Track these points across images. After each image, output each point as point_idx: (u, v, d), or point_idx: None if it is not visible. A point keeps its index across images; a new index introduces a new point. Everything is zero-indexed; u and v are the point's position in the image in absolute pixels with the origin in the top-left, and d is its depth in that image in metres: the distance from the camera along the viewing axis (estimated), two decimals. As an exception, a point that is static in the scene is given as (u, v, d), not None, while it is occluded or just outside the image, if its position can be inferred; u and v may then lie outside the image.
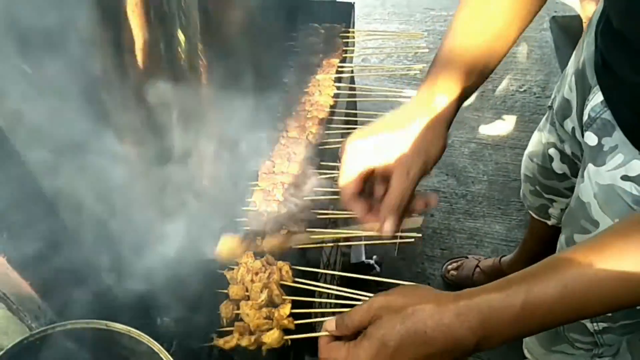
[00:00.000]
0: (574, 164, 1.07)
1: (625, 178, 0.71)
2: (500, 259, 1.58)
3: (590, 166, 0.79)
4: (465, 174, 1.99)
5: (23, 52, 0.56)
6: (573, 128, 1.00)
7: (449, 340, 0.49)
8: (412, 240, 0.82)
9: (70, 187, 0.67)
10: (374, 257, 1.67)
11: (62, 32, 0.58)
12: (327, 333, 0.55)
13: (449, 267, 1.63)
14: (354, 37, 1.41)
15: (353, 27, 1.46)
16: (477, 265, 1.59)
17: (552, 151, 1.12)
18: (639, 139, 0.69)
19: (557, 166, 1.12)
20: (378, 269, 1.65)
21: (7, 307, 0.58)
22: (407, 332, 0.49)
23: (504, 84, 2.35)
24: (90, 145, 0.70)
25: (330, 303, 0.93)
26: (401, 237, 0.87)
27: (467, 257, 1.65)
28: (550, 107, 1.10)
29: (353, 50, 1.39)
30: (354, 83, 1.44)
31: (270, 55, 1.23)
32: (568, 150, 1.07)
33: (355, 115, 1.33)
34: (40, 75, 0.58)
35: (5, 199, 0.51)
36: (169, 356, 0.58)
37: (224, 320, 0.76)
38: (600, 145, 0.76)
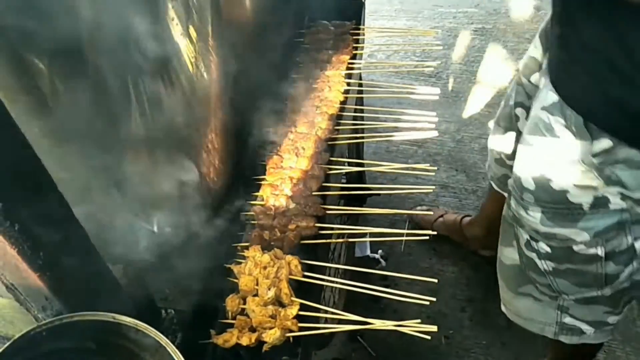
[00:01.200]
0: None
1: (542, 108, 0.82)
2: (462, 218, 1.66)
3: (533, 103, 0.89)
4: (476, 170, 1.97)
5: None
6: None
7: None
8: (427, 237, 0.81)
9: (81, 179, 0.67)
10: (379, 251, 1.66)
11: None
12: None
13: (417, 208, 1.75)
14: (364, 35, 1.40)
15: (363, 25, 1.44)
16: (441, 215, 1.68)
17: (518, 110, 1.18)
18: (553, 72, 0.81)
19: (523, 125, 1.16)
20: (384, 263, 1.64)
21: (15, 298, 0.58)
22: None
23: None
24: (100, 136, 0.70)
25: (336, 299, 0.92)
26: (409, 235, 0.87)
27: (437, 207, 1.76)
28: (518, 70, 1.19)
29: (363, 47, 1.38)
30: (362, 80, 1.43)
31: (280, 51, 1.23)
32: None
33: (362, 111, 1.32)
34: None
35: (17, 191, 0.51)
36: (176, 349, 0.58)
37: (229, 314, 0.76)
38: (542, 85, 0.86)
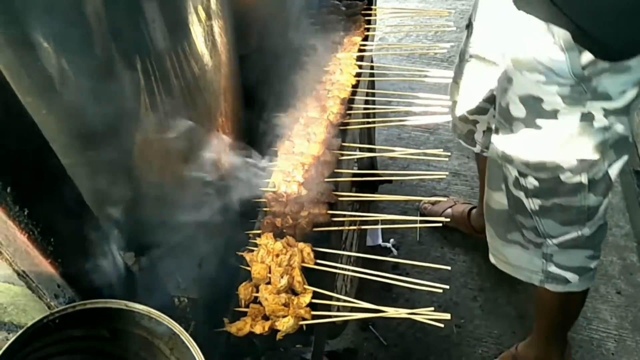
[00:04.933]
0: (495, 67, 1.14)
1: (524, 33, 0.83)
2: (470, 209, 1.66)
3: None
4: (487, 158, 1.93)
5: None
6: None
7: None
8: (440, 224, 0.79)
9: (93, 167, 0.66)
10: (391, 240, 1.65)
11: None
12: None
13: (427, 200, 1.73)
14: (375, 15, 1.36)
15: (375, 5, 1.40)
16: (450, 207, 1.69)
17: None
18: None
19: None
20: (395, 252, 1.63)
21: (27, 285, 0.57)
22: None
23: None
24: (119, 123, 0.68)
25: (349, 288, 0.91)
26: (422, 222, 0.85)
27: (447, 197, 1.76)
28: (468, 25, 1.20)
29: (375, 28, 1.34)
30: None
31: (290, 33, 1.20)
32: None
33: (374, 95, 1.30)
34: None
35: (28, 177, 0.50)
36: (189, 337, 0.57)
37: (242, 302, 0.75)
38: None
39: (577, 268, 1.03)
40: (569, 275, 1.03)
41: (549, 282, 1.05)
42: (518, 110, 0.89)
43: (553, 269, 1.03)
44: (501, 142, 0.96)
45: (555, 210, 0.95)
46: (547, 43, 0.80)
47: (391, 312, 0.73)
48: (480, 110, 1.28)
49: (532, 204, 0.96)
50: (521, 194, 0.96)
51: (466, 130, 1.37)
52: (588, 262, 1.03)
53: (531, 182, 0.93)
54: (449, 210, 1.67)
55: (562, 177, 0.90)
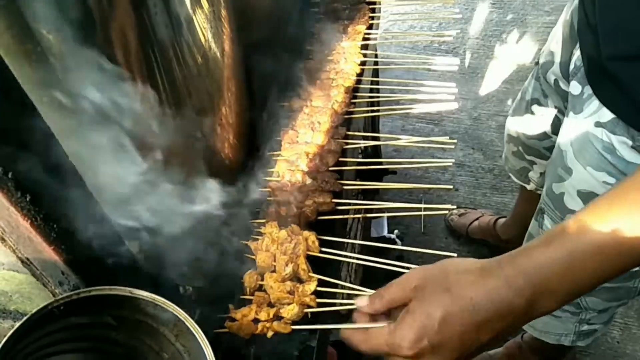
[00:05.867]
0: (556, 120, 1.07)
1: (597, 124, 0.73)
2: (496, 220, 1.59)
3: (571, 114, 0.80)
4: (493, 148, 1.92)
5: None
6: (555, 80, 0.99)
7: (497, 304, 0.46)
8: (446, 212, 0.78)
9: (93, 153, 0.65)
10: (395, 231, 1.64)
11: None
12: (351, 326, 0.51)
13: (455, 212, 1.68)
14: (380, 3, 1.34)
15: (379, -8, 1.38)
16: (477, 219, 1.63)
17: (535, 108, 1.12)
18: (599, 88, 0.71)
19: (539, 122, 1.13)
20: (400, 243, 1.62)
21: (31, 273, 0.57)
22: (452, 301, 0.46)
23: (536, 55, 2.24)
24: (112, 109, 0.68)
25: (355, 277, 0.90)
26: (427, 209, 0.84)
27: (474, 209, 1.69)
28: (537, 63, 1.10)
29: (379, 16, 1.33)
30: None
31: (294, 21, 1.19)
32: (551, 105, 1.07)
33: (378, 84, 1.28)
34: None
35: (31, 162, 0.49)
36: (195, 324, 0.56)
37: (248, 290, 0.75)
38: (581, 93, 0.77)
39: (607, 320, 1.01)
40: (597, 326, 1.01)
41: (581, 339, 1.02)
42: (574, 204, 0.82)
43: (585, 327, 1.00)
44: (549, 227, 0.89)
45: (604, 291, 0.90)
46: (624, 144, 0.70)
47: (397, 300, 0.72)
48: (538, 153, 1.19)
49: None
50: None
51: (519, 167, 1.28)
52: (616, 309, 1.00)
53: None
54: (476, 222, 1.62)
55: None
